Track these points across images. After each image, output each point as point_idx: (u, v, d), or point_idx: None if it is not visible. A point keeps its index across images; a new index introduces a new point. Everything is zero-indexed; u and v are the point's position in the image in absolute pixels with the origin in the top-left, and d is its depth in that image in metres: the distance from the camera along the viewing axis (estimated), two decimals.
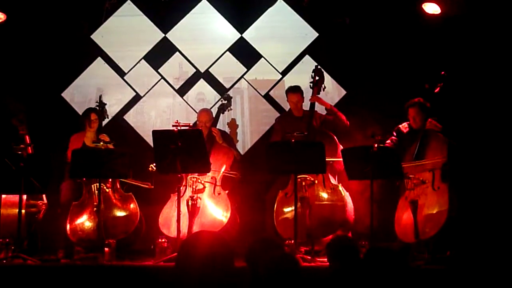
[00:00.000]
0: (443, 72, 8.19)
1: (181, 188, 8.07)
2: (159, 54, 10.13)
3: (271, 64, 10.03)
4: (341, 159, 8.05)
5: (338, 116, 8.72)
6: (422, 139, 8.01)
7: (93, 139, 8.71)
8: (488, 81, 9.14)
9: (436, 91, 8.13)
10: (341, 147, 8.34)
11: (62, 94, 10.03)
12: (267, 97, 10.01)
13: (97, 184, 8.15)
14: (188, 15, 10.17)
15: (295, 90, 8.84)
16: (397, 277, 4.09)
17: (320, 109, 8.91)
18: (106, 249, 7.69)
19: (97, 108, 8.83)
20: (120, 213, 8.42)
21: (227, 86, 10.04)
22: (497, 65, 9.14)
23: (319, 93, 8.74)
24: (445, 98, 8.26)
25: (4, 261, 7.55)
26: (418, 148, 7.99)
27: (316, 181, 8.20)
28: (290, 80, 9.70)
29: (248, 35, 10.10)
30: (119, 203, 8.46)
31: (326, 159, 7.82)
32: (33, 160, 7.91)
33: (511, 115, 8.99)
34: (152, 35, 10.16)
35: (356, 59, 9.68)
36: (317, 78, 8.78)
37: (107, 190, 8.40)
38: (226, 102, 9.01)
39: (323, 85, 8.80)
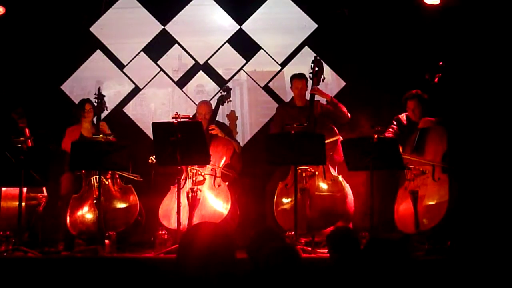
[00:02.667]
0: (441, 63, 8.18)
1: (181, 180, 8.09)
2: (158, 46, 10.13)
3: (270, 56, 10.02)
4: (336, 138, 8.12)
5: (339, 108, 8.68)
6: (422, 131, 8.01)
7: (90, 130, 8.76)
8: (488, 71, 9.13)
9: (434, 81, 8.11)
10: (341, 138, 8.33)
11: (61, 87, 10.03)
12: (267, 88, 10.01)
13: (97, 176, 8.16)
14: (187, 7, 10.16)
15: (300, 77, 8.80)
16: (398, 268, 4.10)
17: (321, 99, 8.89)
18: (106, 241, 7.70)
19: (95, 100, 8.83)
20: (120, 205, 8.42)
21: (226, 78, 10.04)
22: (496, 56, 9.13)
23: (318, 84, 8.70)
24: (444, 88, 8.25)
25: (5, 254, 7.56)
26: (417, 139, 7.99)
27: (317, 173, 8.19)
28: (290, 71, 9.67)
29: (247, 26, 10.08)
30: (119, 195, 8.46)
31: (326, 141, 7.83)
32: (33, 153, 7.90)
33: (510, 106, 8.98)
34: (151, 27, 10.15)
35: (356, 50, 9.67)
36: (316, 69, 8.75)
37: (107, 182, 8.40)
38: (225, 94, 9.00)
39: (322, 76, 8.77)
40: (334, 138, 8.30)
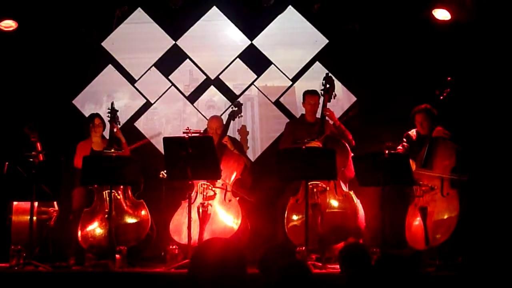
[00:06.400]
0: (449, 78, 8.18)
1: (192, 195, 8.09)
2: (170, 61, 10.16)
3: (281, 71, 10.04)
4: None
5: (345, 135, 8.62)
6: (430, 146, 8.02)
7: (100, 144, 8.80)
8: (497, 87, 9.13)
9: (444, 96, 8.12)
10: (352, 154, 8.33)
11: (73, 101, 10.07)
12: (277, 103, 10.03)
13: (108, 191, 8.17)
14: (198, 22, 10.19)
15: (313, 93, 8.79)
16: (409, 284, 4.08)
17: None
18: (117, 255, 7.71)
19: (108, 114, 8.85)
20: (131, 220, 8.43)
21: (237, 93, 10.06)
22: (506, 71, 9.12)
23: (329, 101, 8.66)
24: (453, 104, 8.26)
25: (16, 268, 7.59)
26: (426, 155, 7.99)
27: (328, 188, 8.19)
28: (301, 86, 9.70)
29: (258, 41, 10.11)
30: (130, 210, 8.48)
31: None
32: (45, 167, 7.92)
33: None
34: (163, 42, 10.19)
35: (366, 66, 9.68)
36: (327, 86, 8.73)
37: (119, 197, 8.42)
38: (236, 109, 8.98)
39: (333, 93, 8.77)
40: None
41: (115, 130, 8.74)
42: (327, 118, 8.64)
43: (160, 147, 8.75)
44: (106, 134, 8.94)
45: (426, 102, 8.37)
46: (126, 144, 8.80)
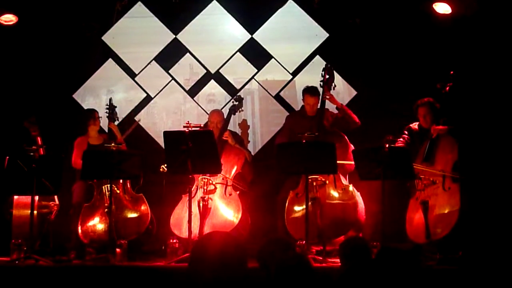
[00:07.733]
0: (452, 72, 8.17)
1: (192, 189, 8.09)
2: (170, 55, 10.15)
3: (281, 65, 10.03)
4: (351, 163, 8.09)
5: (348, 114, 8.68)
6: (432, 140, 8.01)
7: (97, 138, 8.84)
8: (499, 81, 9.10)
9: (446, 91, 8.10)
10: (352, 147, 8.33)
11: (74, 96, 10.07)
12: (278, 97, 10.01)
13: (108, 185, 8.18)
14: (198, 16, 10.18)
15: (313, 93, 8.72)
16: (409, 277, 4.09)
17: (331, 107, 8.89)
18: (117, 249, 7.72)
19: (107, 110, 8.86)
20: (131, 214, 8.45)
21: (237, 87, 10.05)
22: (508, 65, 9.10)
23: (329, 91, 8.71)
24: (455, 98, 8.24)
25: (17, 262, 7.59)
26: (427, 149, 7.99)
27: (327, 182, 8.19)
28: (301, 80, 9.70)
29: (258, 35, 10.10)
30: (130, 204, 8.49)
31: (338, 162, 7.82)
32: (45, 161, 7.93)
33: None
34: (163, 36, 10.17)
35: (367, 60, 9.66)
36: (327, 76, 8.74)
37: (118, 191, 8.42)
38: (237, 103, 8.99)
39: (333, 84, 8.76)
40: (350, 162, 8.26)
41: (111, 126, 8.75)
42: (326, 105, 8.65)
43: (161, 141, 8.76)
44: (103, 128, 8.98)
45: (428, 96, 8.37)
46: (123, 140, 8.80)
